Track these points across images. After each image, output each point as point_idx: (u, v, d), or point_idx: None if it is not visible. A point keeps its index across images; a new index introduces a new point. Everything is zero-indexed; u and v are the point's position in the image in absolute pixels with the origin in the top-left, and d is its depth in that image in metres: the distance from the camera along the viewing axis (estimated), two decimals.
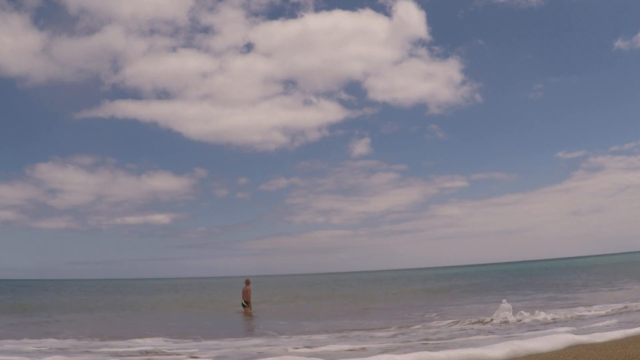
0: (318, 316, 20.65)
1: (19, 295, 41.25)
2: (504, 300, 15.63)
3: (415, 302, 25.05)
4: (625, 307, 16.46)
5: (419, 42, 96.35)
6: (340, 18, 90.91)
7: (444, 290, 35.05)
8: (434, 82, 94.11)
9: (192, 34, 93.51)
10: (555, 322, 14.05)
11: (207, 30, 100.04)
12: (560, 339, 9.28)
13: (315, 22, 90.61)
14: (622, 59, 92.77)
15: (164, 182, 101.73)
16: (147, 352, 11.43)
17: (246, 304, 23.18)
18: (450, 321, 15.59)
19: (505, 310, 15.02)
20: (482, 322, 14.95)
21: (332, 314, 21.38)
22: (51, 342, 13.51)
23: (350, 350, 10.78)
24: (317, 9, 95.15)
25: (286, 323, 17.99)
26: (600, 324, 12.54)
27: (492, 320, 14.90)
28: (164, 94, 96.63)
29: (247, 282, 23.65)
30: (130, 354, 11.17)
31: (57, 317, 21.94)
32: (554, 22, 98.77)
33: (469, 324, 14.86)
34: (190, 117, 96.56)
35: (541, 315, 15.06)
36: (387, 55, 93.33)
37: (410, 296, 31.14)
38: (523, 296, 25.21)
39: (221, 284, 68.10)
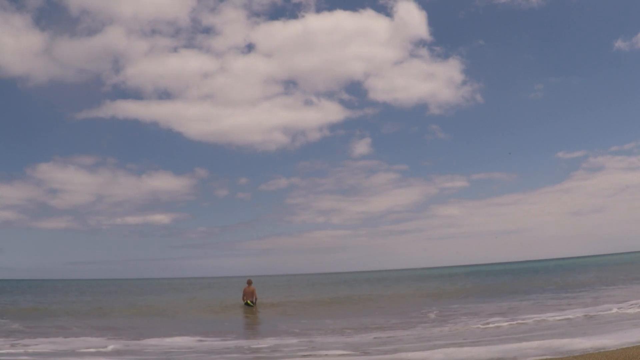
0: (338, 315, 20.76)
1: (28, 296, 41.23)
2: None
3: (437, 301, 25.22)
4: None
5: (419, 43, 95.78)
6: (341, 18, 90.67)
7: (460, 291, 34.99)
8: (435, 82, 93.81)
9: (193, 34, 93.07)
10: None
11: (208, 30, 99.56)
12: None
13: (316, 23, 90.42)
14: (622, 59, 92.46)
15: (164, 182, 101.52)
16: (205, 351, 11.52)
17: (252, 303, 23.37)
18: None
19: None
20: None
21: (349, 313, 21.49)
22: (82, 342, 13.58)
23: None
24: (318, 10, 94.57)
25: (308, 322, 18.15)
26: None
27: None
28: (164, 94, 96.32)
29: (249, 282, 23.87)
30: (178, 353, 11.31)
31: (75, 319, 21.85)
32: (554, 22, 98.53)
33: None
34: (190, 117, 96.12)
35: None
36: (388, 55, 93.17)
37: (425, 296, 31.12)
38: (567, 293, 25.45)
39: (222, 283, 68.23)
